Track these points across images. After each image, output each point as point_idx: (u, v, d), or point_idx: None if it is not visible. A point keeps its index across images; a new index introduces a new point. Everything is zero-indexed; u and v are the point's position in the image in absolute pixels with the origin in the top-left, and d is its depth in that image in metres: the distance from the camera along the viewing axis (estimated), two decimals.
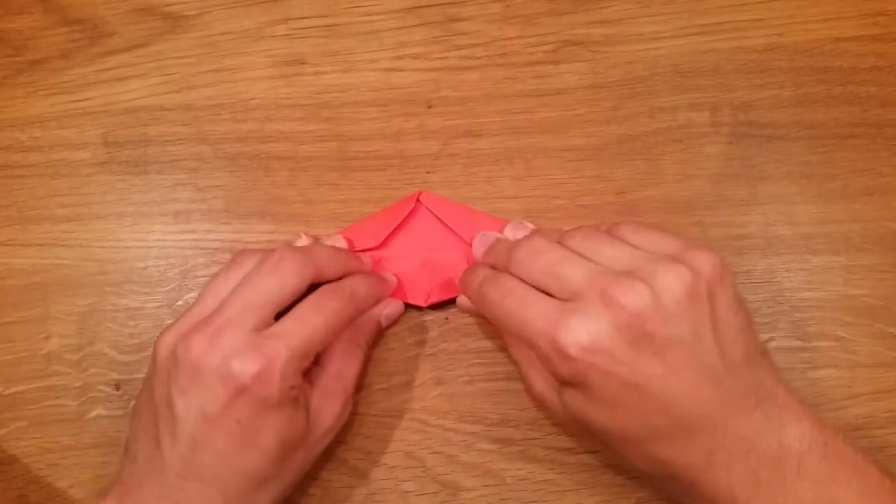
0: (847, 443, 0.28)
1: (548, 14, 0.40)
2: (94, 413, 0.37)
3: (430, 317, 0.37)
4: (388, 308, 0.36)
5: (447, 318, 0.37)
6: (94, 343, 0.37)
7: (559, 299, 0.29)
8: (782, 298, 0.36)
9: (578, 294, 0.28)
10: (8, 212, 0.39)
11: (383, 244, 0.37)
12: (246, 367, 0.29)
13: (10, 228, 0.39)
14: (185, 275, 0.38)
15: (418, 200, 0.38)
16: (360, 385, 0.36)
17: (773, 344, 0.36)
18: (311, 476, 0.35)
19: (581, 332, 0.27)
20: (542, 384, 0.31)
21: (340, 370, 0.33)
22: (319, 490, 0.35)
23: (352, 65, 0.40)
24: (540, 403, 0.34)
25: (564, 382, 0.29)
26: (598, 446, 0.32)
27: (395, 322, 0.37)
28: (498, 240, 0.34)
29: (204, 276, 0.38)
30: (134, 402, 0.33)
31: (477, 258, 0.35)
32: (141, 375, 0.37)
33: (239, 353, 0.29)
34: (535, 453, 0.35)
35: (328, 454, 0.35)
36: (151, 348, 0.37)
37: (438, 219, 0.37)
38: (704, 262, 0.28)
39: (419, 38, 0.40)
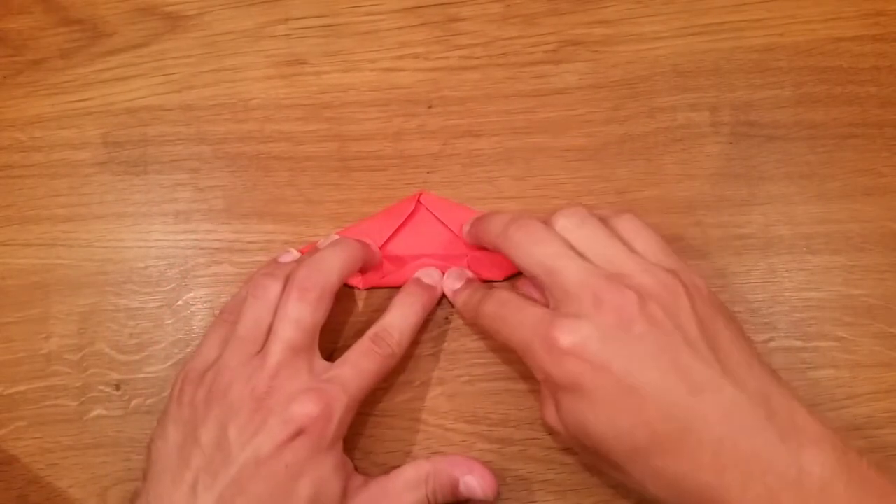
0: (871, 467, 0.26)
1: (548, 14, 0.40)
2: (94, 413, 0.37)
3: (429, 317, 0.37)
4: (473, 476, 0.32)
5: (447, 318, 0.37)
6: (94, 343, 0.37)
7: (551, 296, 0.30)
8: (782, 298, 0.36)
9: (570, 295, 0.29)
10: (8, 212, 0.39)
11: (384, 245, 0.37)
12: (307, 408, 0.29)
13: (10, 228, 0.39)
14: (185, 275, 0.38)
15: (418, 201, 0.38)
16: None
17: (773, 344, 0.36)
18: None
19: (573, 333, 0.28)
20: (550, 411, 0.31)
21: (394, 494, 0.32)
22: None
23: (352, 65, 0.40)
24: (552, 433, 0.34)
25: (561, 387, 0.29)
26: (615, 477, 0.30)
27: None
28: (490, 214, 0.34)
29: (204, 276, 0.38)
30: (157, 430, 0.32)
31: (466, 239, 0.36)
32: (141, 375, 0.37)
33: (301, 396, 0.30)
34: (535, 453, 0.35)
35: None
36: (152, 348, 0.37)
37: (439, 219, 0.37)
38: (694, 279, 0.30)
39: (419, 38, 0.40)
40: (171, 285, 0.38)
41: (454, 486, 0.32)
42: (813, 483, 0.25)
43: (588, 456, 0.31)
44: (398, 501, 0.32)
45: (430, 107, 0.39)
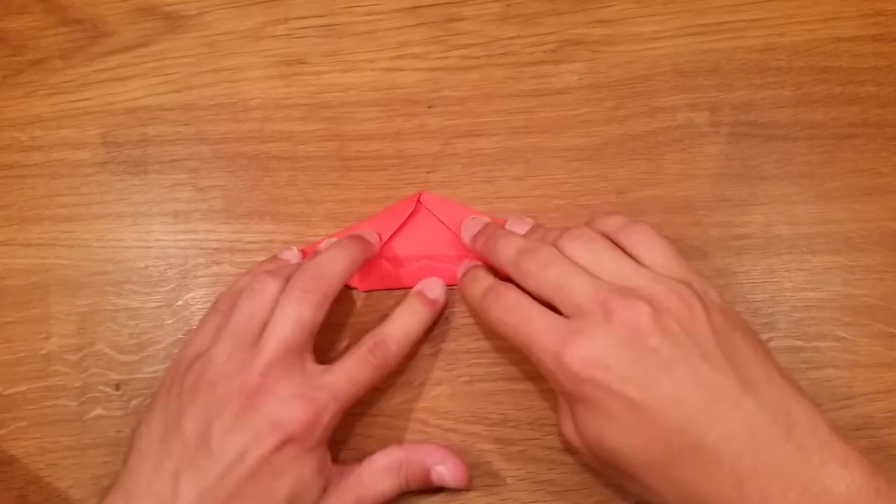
0: None
1: (548, 14, 0.40)
2: (94, 413, 0.37)
3: None
4: (445, 466, 0.33)
5: (447, 318, 0.37)
6: (94, 343, 0.37)
7: (562, 314, 0.29)
8: (782, 298, 0.36)
9: (582, 309, 0.29)
10: (8, 212, 0.39)
11: (384, 245, 0.37)
12: (297, 414, 0.29)
13: (10, 228, 0.39)
14: (185, 275, 0.38)
15: (418, 201, 0.38)
16: None
17: (773, 344, 0.36)
18: None
19: (584, 348, 0.27)
20: (568, 424, 0.30)
21: (368, 482, 0.32)
22: None
23: (352, 65, 0.40)
24: (568, 445, 0.34)
25: (575, 401, 0.29)
26: (636, 491, 0.30)
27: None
28: (492, 229, 0.34)
29: (204, 276, 0.38)
30: (144, 416, 0.32)
31: (466, 243, 0.36)
32: (141, 375, 0.37)
33: (292, 401, 0.30)
34: (535, 453, 0.35)
35: None
36: (152, 348, 0.37)
37: (439, 219, 0.37)
38: (708, 290, 0.30)
39: (419, 38, 0.40)
40: (171, 285, 0.38)
41: (426, 474, 0.33)
42: (837, 502, 0.25)
43: (608, 470, 0.30)
44: (373, 488, 0.32)
45: (429, 107, 0.39)
